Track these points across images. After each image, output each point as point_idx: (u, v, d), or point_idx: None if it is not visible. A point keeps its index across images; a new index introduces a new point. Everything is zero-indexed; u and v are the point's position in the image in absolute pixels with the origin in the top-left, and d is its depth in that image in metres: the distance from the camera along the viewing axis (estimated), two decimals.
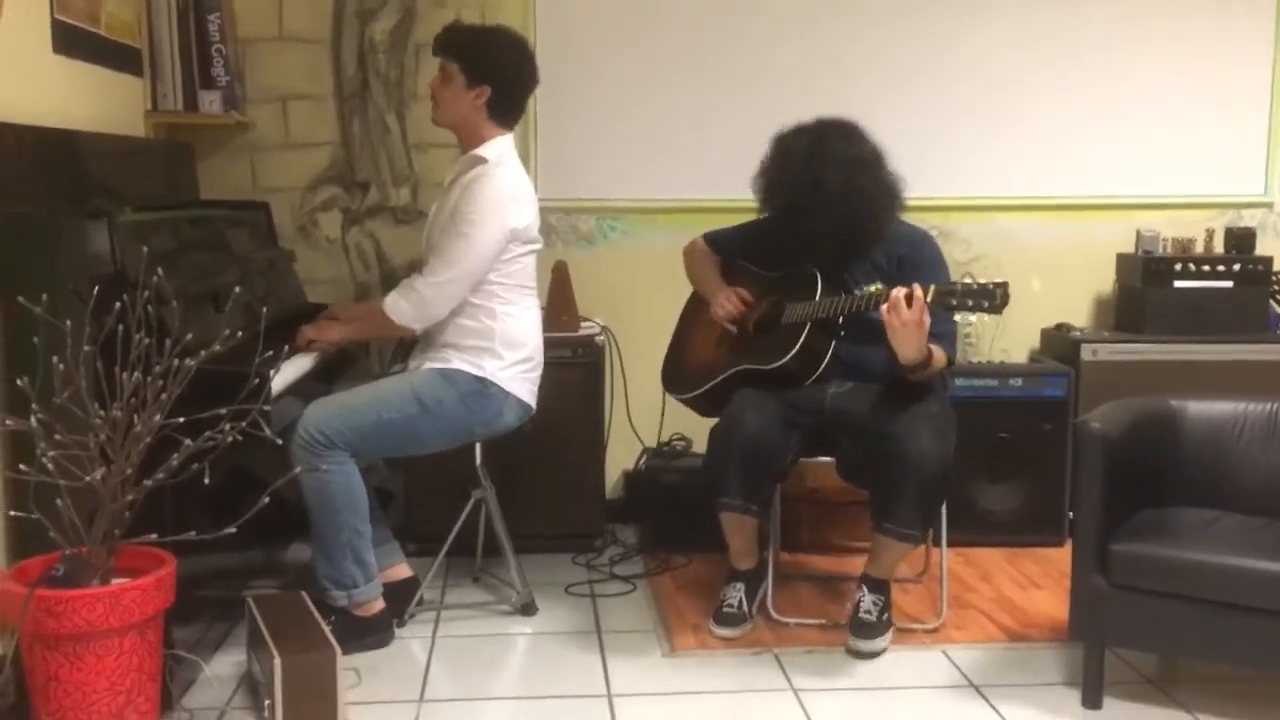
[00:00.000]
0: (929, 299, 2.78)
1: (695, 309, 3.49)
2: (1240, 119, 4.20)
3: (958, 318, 2.88)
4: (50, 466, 2.23)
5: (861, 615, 3.07)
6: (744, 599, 3.21)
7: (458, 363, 3.05)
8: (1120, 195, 4.20)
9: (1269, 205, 4.26)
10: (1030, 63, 4.12)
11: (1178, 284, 3.96)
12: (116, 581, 2.36)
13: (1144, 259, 3.99)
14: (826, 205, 3.00)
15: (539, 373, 3.20)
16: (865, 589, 3.10)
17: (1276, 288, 4.05)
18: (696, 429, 3.68)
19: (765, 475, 3.06)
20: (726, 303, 3.25)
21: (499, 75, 3.09)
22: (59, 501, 2.25)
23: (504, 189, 3.04)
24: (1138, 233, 4.07)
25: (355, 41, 4.00)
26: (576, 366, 3.74)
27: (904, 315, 2.77)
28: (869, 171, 3.05)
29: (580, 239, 4.13)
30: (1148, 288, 3.97)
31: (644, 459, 4.06)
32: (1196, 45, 4.14)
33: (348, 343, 3.18)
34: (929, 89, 4.09)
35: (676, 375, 3.45)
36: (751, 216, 3.38)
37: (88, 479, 2.27)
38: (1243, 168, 4.23)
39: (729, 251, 3.40)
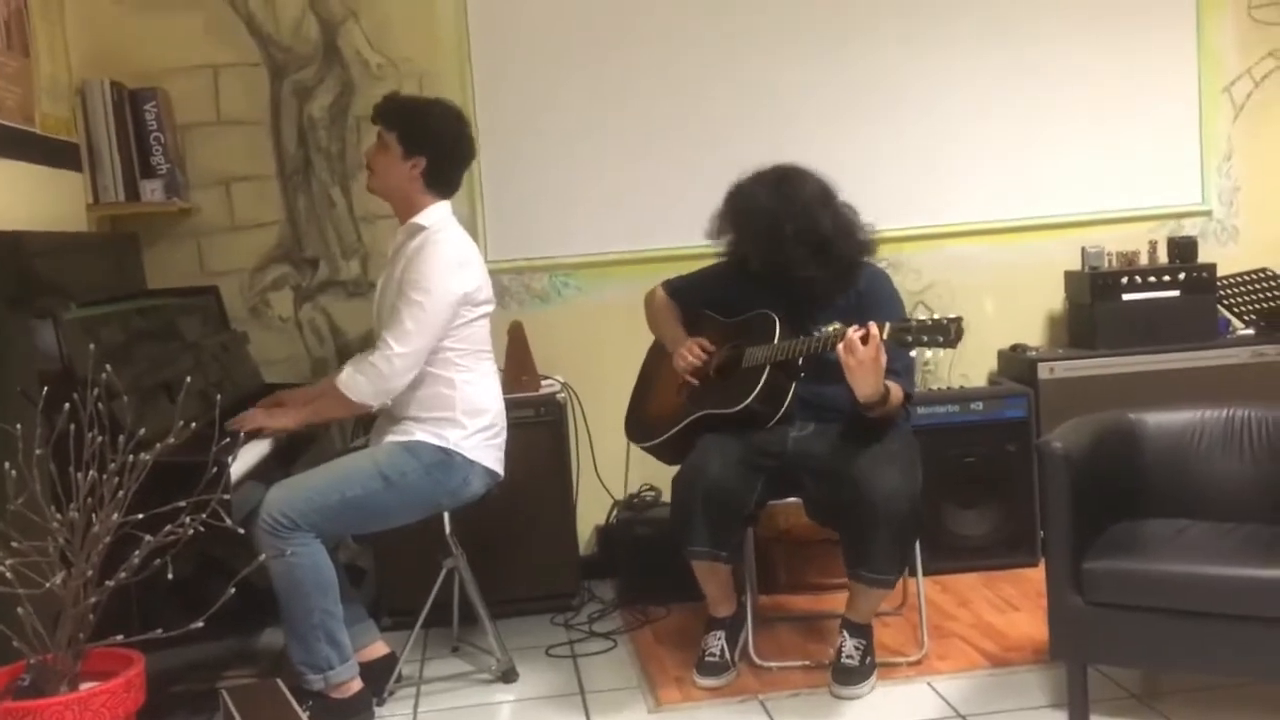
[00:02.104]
0: (884, 336, 2.79)
1: (656, 358, 3.50)
2: (1173, 131, 4.28)
3: (913, 352, 2.90)
4: (9, 575, 2.19)
5: (844, 661, 3.06)
6: (725, 647, 3.19)
7: (420, 434, 3.03)
8: (1063, 214, 4.26)
9: (1208, 213, 4.33)
10: (967, 91, 4.19)
11: (1125, 297, 4.02)
12: (85, 686, 2.31)
13: (1091, 275, 4.05)
14: (812, 249, 3.03)
15: (503, 438, 3.18)
16: (846, 634, 3.09)
17: (1223, 293, 4.12)
18: (665, 478, 3.67)
19: (731, 521, 3.06)
20: (688, 354, 3.26)
21: (435, 145, 3.09)
22: (20, 610, 2.20)
23: (450, 254, 3.04)
24: (1083, 249, 4.12)
25: (294, 119, 4.01)
26: (540, 425, 3.72)
27: (859, 354, 2.78)
28: (833, 208, 3.09)
29: (534, 297, 4.14)
30: (1097, 303, 4.02)
31: (615, 512, 4.04)
32: (1125, 63, 4.22)
33: (301, 427, 3.09)
34: (870, 122, 4.15)
35: (639, 424, 3.45)
36: (706, 263, 3.40)
37: (48, 584, 2.23)
38: (1179, 178, 4.31)
39: (689, 299, 3.42)
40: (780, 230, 3.03)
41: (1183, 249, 4.09)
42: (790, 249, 3.03)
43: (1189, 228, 4.29)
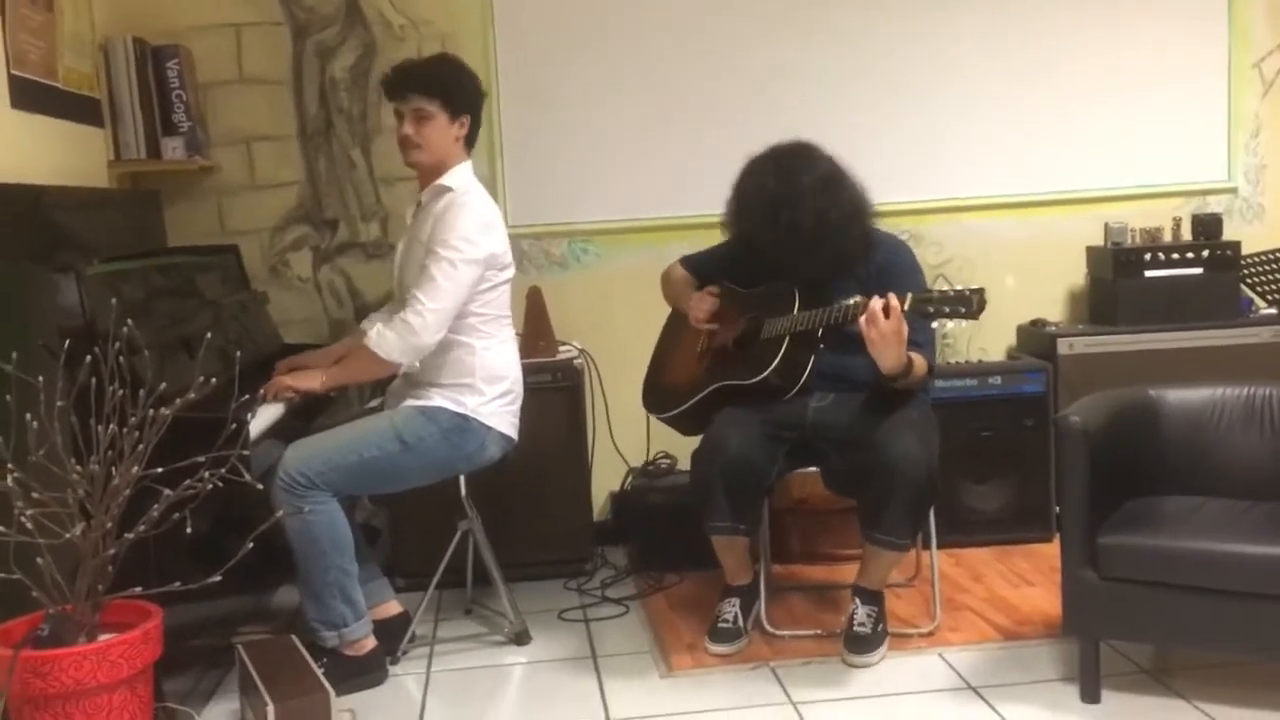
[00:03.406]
0: (906, 308, 2.78)
1: (674, 328, 3.49)
2: (1200, 107, 4.24)
3: (935, 324, 2.88)
4: (29, 525, 2.21)
5: (856, 629, 3.06)
6: (739, 614, 3.20)
7: (439, 400, 3.03)
8: (1087, 189, 4.23)
9: (1233, 190, 4.29)
10: (992, 64, 4.15)
11: (1148, 274, 3.99)
12: (103, 637, 2.34)
13: (1113, 251, 4.02)
14: (803, 241, 3.01)
15: (520, 403, 3.18)
16: (858, 601, 3.10)
17: (1246, 271, 4.09)
18: (680, 446, 3.68)
19: (751, 494, 3.06)
20: (700, 304, 3.24)
21: (476, 102, 3.09)
22: (40, 560, 2.22)
23: (478, 215, 3.03)
24: (1106, 225, 4.10)
25: (316, 80, 4.00)
26: (557, 391, 3.73)
27: (881, 326, 2.77)
28: (835, 196, 3.05)
29: (553, 263, 4.13)
30: (1119, 279, 4.00)
31: (629, 479, 4.05)
32: (1153, 37, 4.18)
33: (328, 389, 3.09)
34: (894, 95, 4.11)
35: (657, 395, 3.45)
36: (720, 244, 3.39)
37: (68, 536, 2.25)
38: (1205, 154, 4.27)
39: (706, 273, 3.40)
40: (788, 213, 3.00)
41: (1207, 226, 4.06)
42: (800, 230, 3.00)
43: (1214, 205, 4.25)
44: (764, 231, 3.06)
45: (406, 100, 3.04)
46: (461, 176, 3.08)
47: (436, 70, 3.10)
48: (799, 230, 3.00)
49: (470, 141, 3.13)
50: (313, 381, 3.03)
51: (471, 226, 2.99)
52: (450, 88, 3.05)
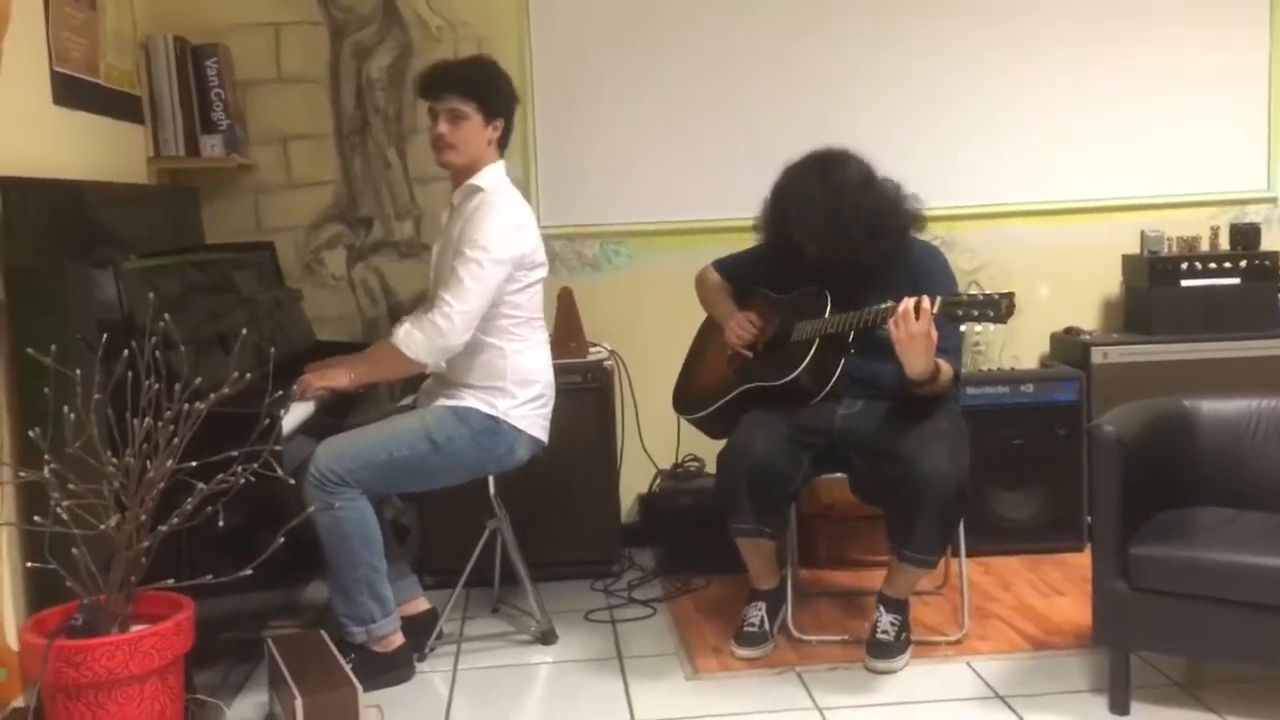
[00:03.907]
0: (935, 310, 2.77)
1: (708, 331, 3.49)
2: (1240, 115, 4.19)
3: (964, 328, 2.87)
4: (65, 516, 2.24)
5: (879, 636, 3.05)
6: (765, 618, 3.20)
7: (470, 400, 3.04)
8: (1123, 196, 4.20)
9: (1273, 200, 4.25)
10: (1028, 69, 4.13)
11: (1184, 283, 3.95)
12: (135, 628, 2.36)
13: (1150, 259, 3.99)
14: (843, 242, 3.00)
15: (550, 407, 3.19)
16: (882, 609, 3.09)
17: None
18: (709, 450, 3.67)
19: (776, 498, 3.06)
20: (740, 329, 3.25)
21: (510, 105, 3.11)
22: (75, 551, 2.25)
23: (508, 216, 3.04)
24: (1142, 233, 4.06)
25: (353, 80, 4.03)
26: (586, 392, 3.73)
27: (911, 327, 2.76)
28: (875, 199, 3.04)
29: (585, 264, 4.14)
30: (1155, 288, 3.96)
31: (658, 482, 4.05)
32: (1193, 44, 4.14)
33: (356, 388, 3.10)
34: (929, 100, 4.10)
35: (686, 397, 3.45)
36: (753, 247, 3.39)
37: (103, 527, 2.27)
38: (1244, 164, 4.22)
39: (740, 276, 3.40)
40: (831, 220, 2.99)
41: (1245, 236, 4.02)
42: (844, 237, 2.99)
43: (1252, 214, 4.20)
44: (803, 233, 3.04)
45: (442, 100, 3.05)
46: (493, 177, 3.09)
47: (473, 71, 3.11)
48: (839, 232, 2.99)
49: (503, 145, 3.14)
50: (340, 378, 3.03)
51: (500, 227, 2.99)
52: (486, 90, 3.06)
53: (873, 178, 3.07)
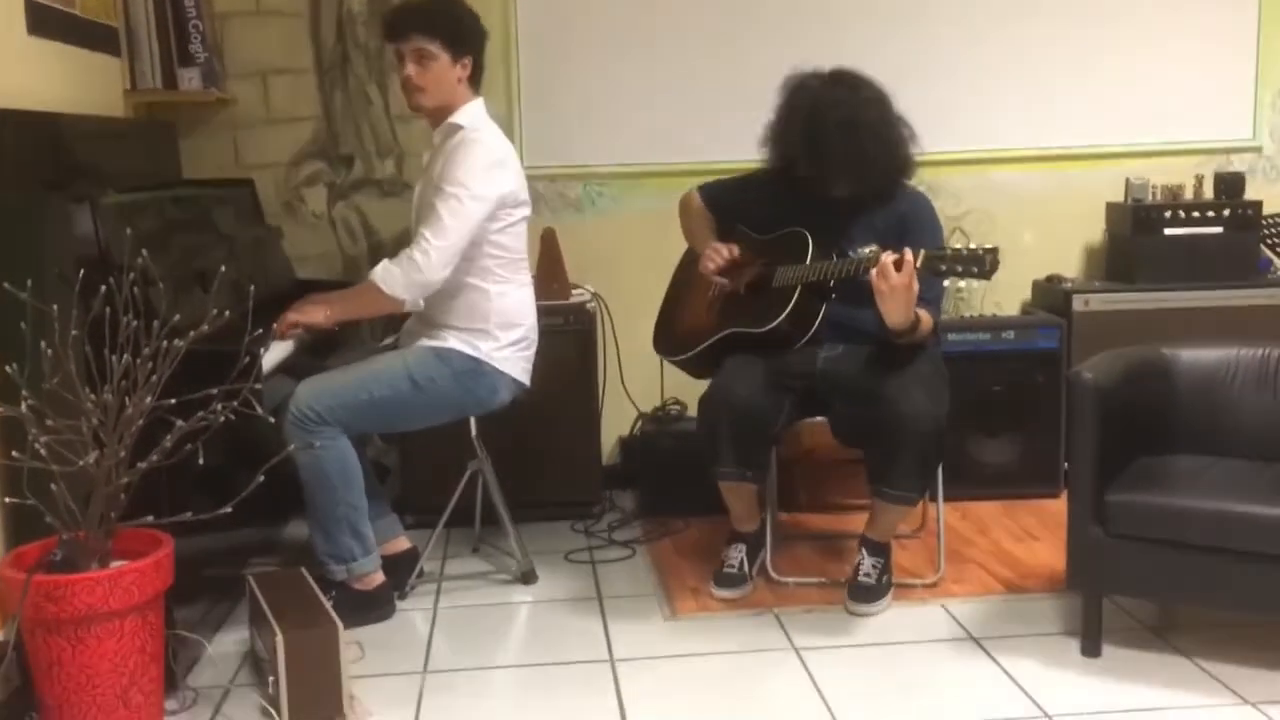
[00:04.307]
0: (918, 264, 2.76)
1: (686, 271, 3.47)
2: (1226, 64, 4.17)
3: (946, 283, 2.86)
4: (43, 452, 2.22)
5: (861, 579, 3.08)
6: (745, 560, 3.23)
7: (453, 342, 3.03)
8: (1109, 144, 4.19)
9: (1258, 149, 4.24)
10: (1016, 13, 4.09)
11: (1168, 231, 3.96)
12: (115, 564, 2.36)
13: (1133, 207, 3.98)
14: (849, 148, 2.97)
15: (534, 349, 3.18)
16: (865, 552, 3.11)
17: (1266, 232, 4.05)
18: (691, 393, 3.68)
19: (758, 441, 3.07)
20: (715, 255, 3.22)
21: (478, 40, 3.06)
22: (54, 486, 2.25)
23: (488, 153, 3.00)
24: (1127, 181, 4.06)
25: (334, 13, 3.97)
26: (568, 334, 3.73)
27: (892, 280, 2.75)
28: (882, 116, 3.03)
29: (568, 206, 4.11)
30: (1138, 236, 3.97)
31: (639, 424, 4.06)
32: None
33: (333, 324, 3.05)
34: (916, 42, 4.06)
35: (667, 338, 3.44)
36: (741, 175, 3.36)
37: (81, 463, 2.26)
38: (1230, 113, 4.21)
39: (724, 204, 3.34)
40: (825, 120, 2.97)
41: (1229, 185, 4.02)
42: (834, 141, 2.96)
43: (1237, 163, 4.20)
44: (809, 131, 3.00)
45: (407, 40, 2.99)
46: (472, 114, 3.05)
47: (436, 9, 3.04)
48: (849, 132, 2.96)
49: (475, 82, 3.09)
50: (316, 314, 2.99)
51: (480, 164, 2.96)
52: (451, 27, 3.01)
53: (883, 105, 3.05)
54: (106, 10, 3.46)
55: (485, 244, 3.02)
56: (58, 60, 3.09)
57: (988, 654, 2.81)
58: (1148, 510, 2.63)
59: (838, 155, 2.98)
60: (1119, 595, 2.91)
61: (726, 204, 3.35)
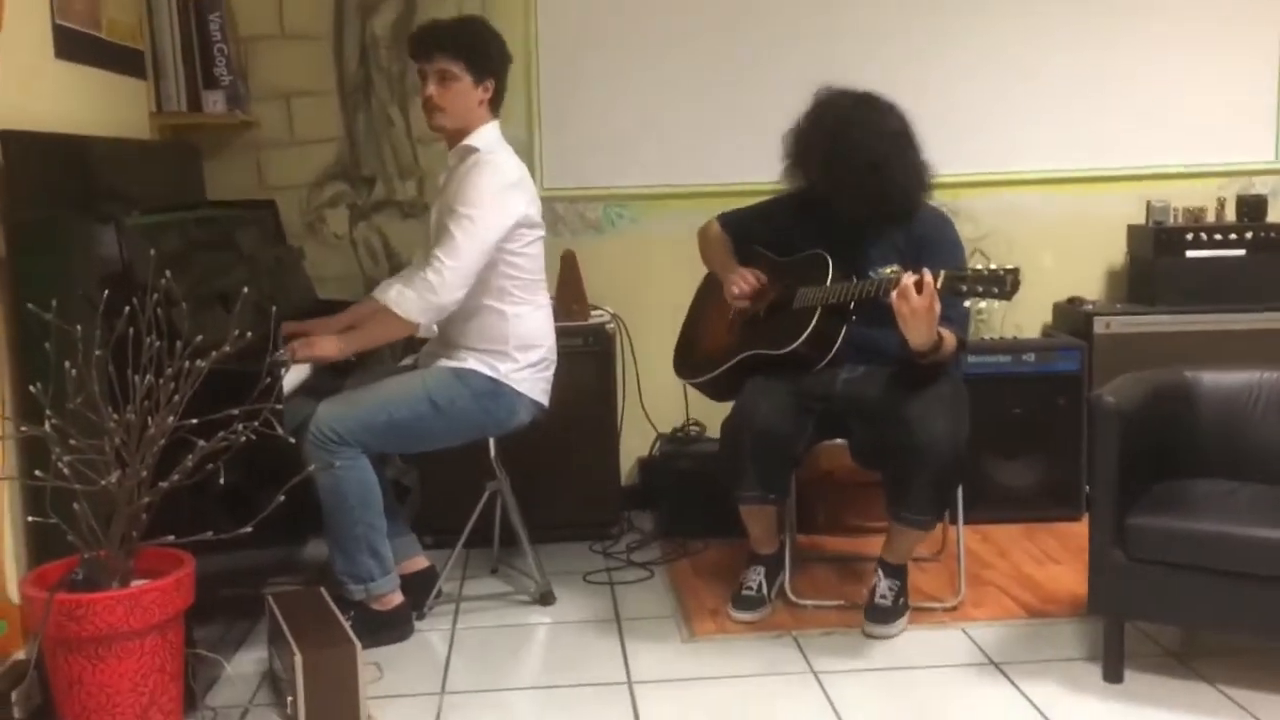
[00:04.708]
0: (939, 285, 2.75)
1: (707, 293, 3.48)
2: (1248, 86, 4.16)
3: (967, 303, 2.86)
4: (66, 471, 2.24)
5: (877, 600, 3.07)
6: (764, 582, 3.22)
7: (472, 363, 3.04)
8: (1129, 166, 4.17)
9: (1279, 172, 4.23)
10: (1036, 36, 4.09)
11: (1190, 254, 3.94)
12: (136, 583, 2.37)
13: (1155, 230, 3.97)
14: (868, 168, 2.97)
15: (552, 370, 3.19)
16: (881, 574, 3.10)
17: None
18: (710, 414, 3.68)
19: (780, 464, 3.06)
20: (741, 281, 3.23)
21: (501, 64, 3.08)
22: (76, 506, 2.26)
23: (502, 175, 3.01)
24: (1148, 204, 4.04)
25: (357, 37, 4.00)
26: (588, 355, 3.73)
27: (913, 302, 2.74)
28: (903, 147, 3.03)
29: (588, 227, 4.13)
30: (1160, 258, 3.95)
31: (658, 445, 4.06)
32: (1202, 14, 4.10)
33: (341, 357, 3.05)
34: (937, 66, 4.06)
35: (687, 360, 3.45)
36: (760, 199, 3.37)
37: (103, 483, 2.28)
38: (1252, 135, 4.19)
39: (744, 233, 3.37)
40: (849, 146, 2.96)
41: (1252, 207, 4.00)
42: (852, 161, 2.96)
43: (1259, 186, 4.18)
44: (831, 153, 3.00)
45: (431, 60, 3.02)
46: (488, 137, 3.07)
47: (462, 31, 3.07)
48: (869, 152, 2.96)
49: (495, 106, 3.11)
50: (329, 349, 3.00)
51: (494, 186, 2.97)
52: (475, 50, 3.03)
53: (905, 133, 3.05)
54: (133, 34, 3.50)
55: (501, 265, 3.03)
56: (84, 83, 3.13)
57: (1008, 679, 2.78)
58: (1170, 535, 2.61)
59: (859, 181, 2.98)
60: (1141, 620, 2.88)
61: (746, 230, 3.36)
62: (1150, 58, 4.12)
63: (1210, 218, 4.04)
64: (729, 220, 3.41)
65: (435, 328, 3.04)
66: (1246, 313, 3.88)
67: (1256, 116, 4.18)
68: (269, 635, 2.86)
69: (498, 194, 2.98)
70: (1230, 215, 4.05)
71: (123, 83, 3.41)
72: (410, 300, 2.93)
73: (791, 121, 3.13)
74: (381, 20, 4.00)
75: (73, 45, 3.02)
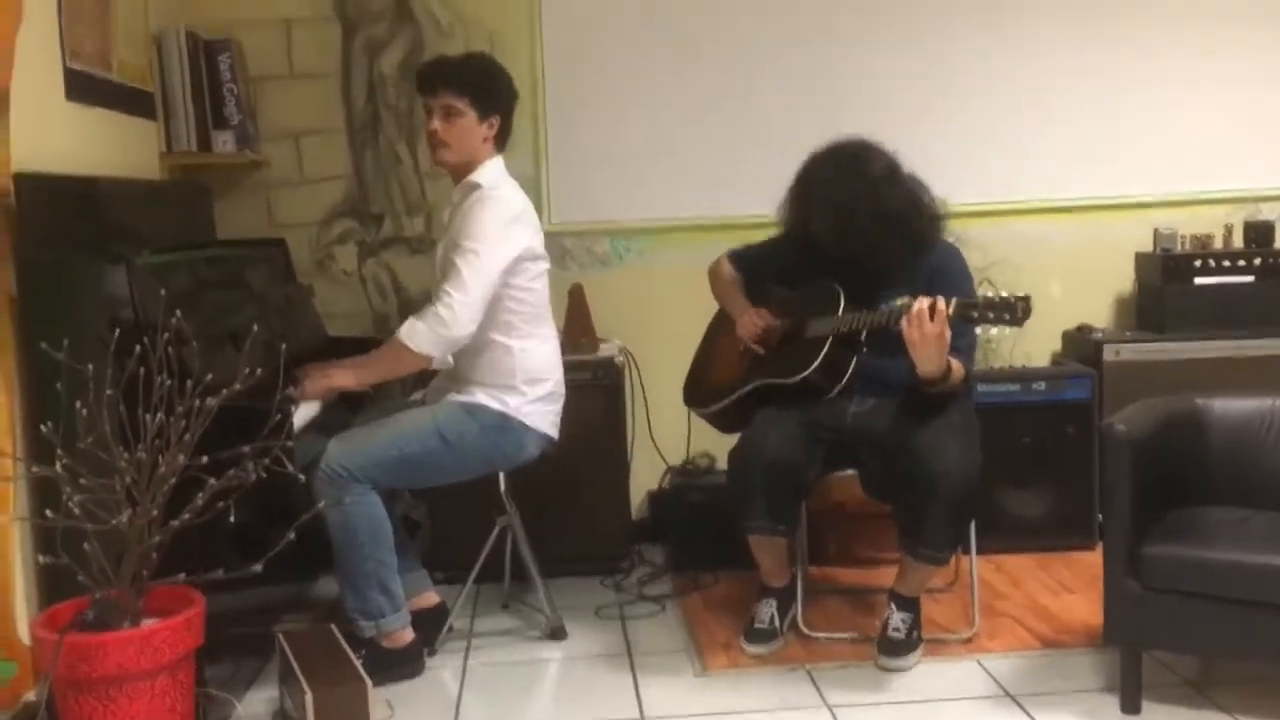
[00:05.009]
0: (950, 312, 2.76)
1: (720, 325, 3.49)
2: (1254, 113, 4.17)
3: (978, 330, 2.86)
4: (77, 511, 2.24)
5: (890, 634, 3.05)
6: (776, 615, 3.20)
7: (481, 397, 3.05)
8: (1136, 194, 4.18)
9: None
10: (1042, 65, 4.11)
11: (1198, 280, 3.93)
12: (147, 623, 2.37)
13: (1163, 257, 3.97)
14: (868, 230, 2.99)
15: (561, 403, 3.19)
16: (894, 606, 3.08)
17: None
18: (719, 446, 3.67)
19: (790, 495, 3.05)
20: (753, 323, 3.24)
21: (507, 100, 3.10)
22: (87, 545, 2.26)
23: (505, 210, 3.03)
24: (1155, 231, 4.05)
25: (365, 75, 4.04)
26: (597, 388, 3.73)
27: (925, 328, 2.75)
28: (899, 188, 3.04)
29: (596, 261, 4.14)
30: (1168, 286, 3.95)
31: (668, 478, 4.05)
32: (1208, 39, 4.12)
33: (357, 388, 3.08)
34: (941, 96, 4.08)
35: (698, 390, 3.45)
36: (768, 231, 3.38)
37: (114, 522, 2.28)
38: (1259, 162, 4.19)
39: (754, 270, 3.38)
40: (855, 212, 2.98)
41: (1259, 233, 4.00)
42: (867, 230, 2.99)
43: (1267, 212, 4.18)
44: (844, 229, 3.02)
45: (437, 95, 3.04)
46: (491, 173, 3.08)
47: (468, 67, 3.09)
48: (881, 218, 2.98)
49: (501, 141, 3.13)
50: (346, 379, 3.02)
51: (497, 220, 2.99)
52: (481, 86, 3.05)
53: (898, 173, 3.07)
54: (143, 76, 3.53)
55: (505, 299, 3.04)
56: (95, 124, 3.16)
57: (1025, 711, 2.76)
58: (1184, 563, 2.59)
59: (873, 239, 3.00)
60: (1157, 650, 2.86)
61: (755, 266, 3.37)
62: (1155, 85, 4.13)
63: (1218, 244, 4.03)
64: (739, 257, 3.42)
65: (450, 359, 3.04)
66: (1256, 339, 3.87)
67: (1263, 143, 4.18)
68: (280, 674, 2.85)
69: (501, 228, 2.99)
70: (1238, 242, 4.05)
71: (133, 123, 3.45)
72: (422, 334, 2.95)
73: (798, 159, 3.14)
74: (389, 59, 4.03)
75: (83, 87, 3.05)
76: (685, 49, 4.06)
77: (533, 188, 3.19)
